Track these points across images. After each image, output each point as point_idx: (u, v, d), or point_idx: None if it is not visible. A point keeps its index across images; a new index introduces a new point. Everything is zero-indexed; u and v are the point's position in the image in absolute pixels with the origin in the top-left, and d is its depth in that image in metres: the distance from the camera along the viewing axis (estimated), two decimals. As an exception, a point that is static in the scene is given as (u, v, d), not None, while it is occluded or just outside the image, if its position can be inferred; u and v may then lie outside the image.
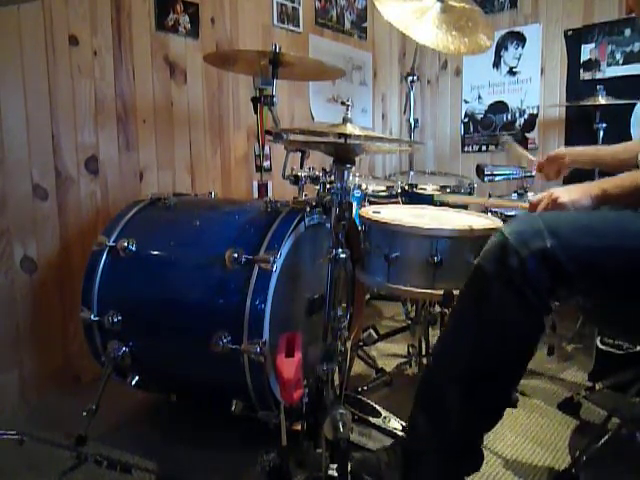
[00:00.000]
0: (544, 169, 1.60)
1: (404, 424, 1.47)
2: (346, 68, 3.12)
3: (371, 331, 1.95)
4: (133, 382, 1.50)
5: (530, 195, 2.37)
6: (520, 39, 3.16)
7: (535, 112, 3.15)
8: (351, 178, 2.21)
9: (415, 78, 2.31)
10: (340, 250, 1.24)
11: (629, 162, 1.35)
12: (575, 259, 1.00)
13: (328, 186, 1.53)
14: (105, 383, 1.48)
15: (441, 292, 1.31)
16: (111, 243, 1.49)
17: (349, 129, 1.20)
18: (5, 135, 1.68)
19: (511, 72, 3.23)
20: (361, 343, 1.94)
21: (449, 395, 1.09)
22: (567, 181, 1.50)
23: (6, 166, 1.69)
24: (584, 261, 1.01)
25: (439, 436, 1.11)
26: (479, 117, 3.38)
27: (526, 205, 1.25)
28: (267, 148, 2.61)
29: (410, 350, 1.97)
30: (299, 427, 1.24)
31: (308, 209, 1.44)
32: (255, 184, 2.59)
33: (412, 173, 2.54)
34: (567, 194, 1.14)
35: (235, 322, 1.30)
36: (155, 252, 1.49)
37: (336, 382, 1.26)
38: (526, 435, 1.58)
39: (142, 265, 1.48)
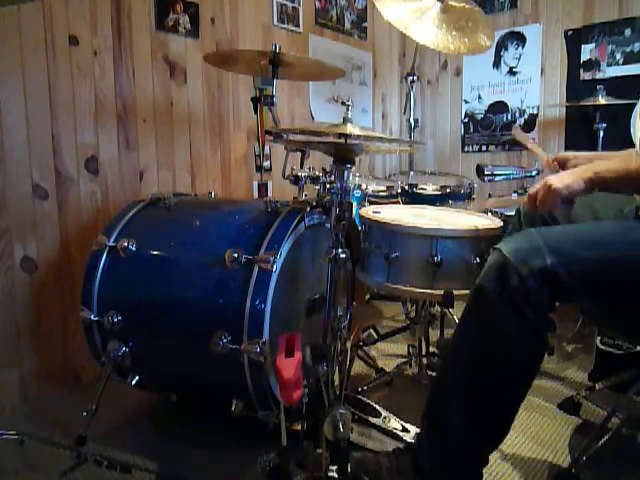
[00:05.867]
0: (551, 167, 1.61)
1: (404, 424, 1.47)
2: (346, 68, 3.12)
3: (371, 331, 1.95)
4: (133, 382, 1.50)
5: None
6: (520, 39, 3.16)
7: (535, 112, 3.15)
8: (351, 178, 2.21)
9: (415, 78, 2.31)
10: (340, 250, 1.24)
11: None
12: (575, 274, 1.01)
13: (328, 186, 1.53)
14: (105, 383, 1.48)
15: (441, 292, 1.31)
16: (111, 243, 1.49)
17: (349, 129, 1.20)
18: (5, 135, 1.68)
19: (511, 72, 3.23)
20: (361, 343, 1.94)
21: (451, 414, 1.09)
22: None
23: (6, 166, 1.69)
24: (584, 275, 1.01)
25: (439, 453, 1.11)
26: (479, 117, 3.38)
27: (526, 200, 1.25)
28: (267, 148, 2.61)
29: (410, 350, 1.97)
30: (299, 427, 1.24)
31: (308, 209, 1.44)
32: (255, 184, 2.59)
33: (412, 173, 2.54)
34: (560, 180, 1.13)
35: (235, 322, 1.30)
36: (155, 252, 1.49)
37: (336, 382, 1.26)
38: (526, 434, 1.58)
39: (142, 265, 1.48)
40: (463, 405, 1.08)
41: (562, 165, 1.58)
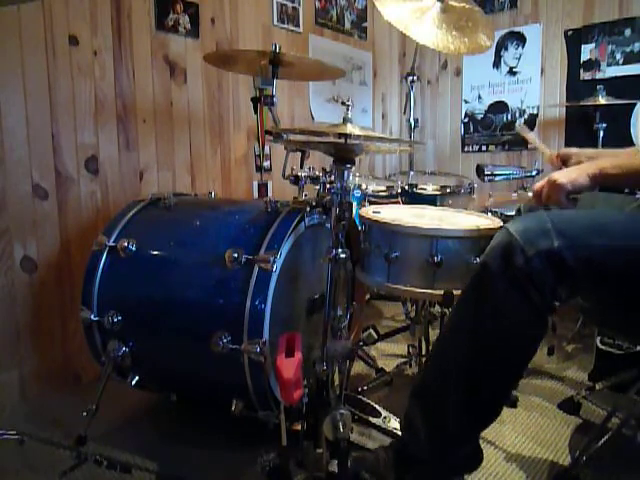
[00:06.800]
0: (554, 163, 1.62)
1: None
2: (346, 68, 3.12)
3: (371, 331, 1.95)
4: (133, 382, 1.50)
5: (530, 194, 2.37)
6: (520, 39, 3.16)
7: (535, 112, 3.15)
8: (351, 178, 2.21)
9: (415, 78, 2.31)
10: (340, 250, 1.24)
11: None
12: (581, 259, 1.00)
13: (328, 186, 1.53)
14: (105, 383, 1.48)
15: (441, 292, 1.31)
16: (111, 243, 1.49)
17: (349, 129, 1.20)
18: (5, 135, 1.68)
19: (511, 72, 3.23)
20: (361, 343, 1.94)
21: (448, 394, 1.09)
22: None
23: (6, 166, 1.69)
24: (590, 261, 1.01)
25: (437, 437, 1.11)
26: (479, 117, 3.38)
27: (531, 195, 1.26)
28: (267, 148, 2.61)
29: (410, 350, 1.97)
30: (299, 427, 1.24)
31: (308, 209, 1.44)
32: (255, 184, 2.59)
33: (412, 173, 2.54)
34: (565, 176, 1.13)
35: (235, 322, 1.30)
36: (155, 252, 1.49)
37: (336, 382, 1.26)
38: (526, 434, 1.58)
39: (142, 265, 1.48)
40: (462, 385, 1.08)
41: (564, 162, 1.59)
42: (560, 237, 1.00)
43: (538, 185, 1.20)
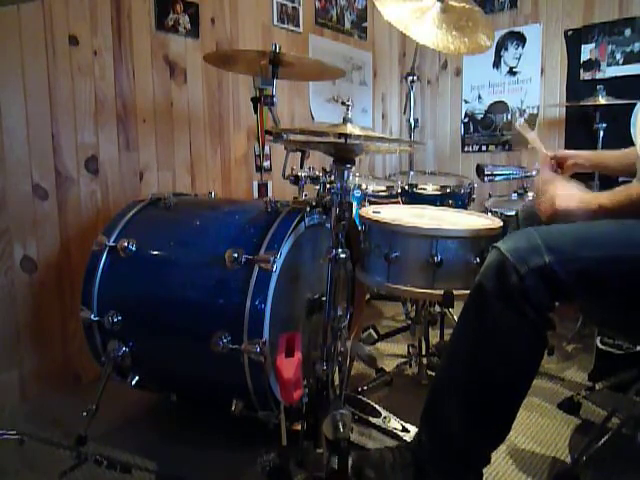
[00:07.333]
0: (547, 165, 1.62)
1: (404, 424, 1.47)
2: (346, 68, 3.12)
3: (371, 331, 1.95)
4: (133, 382, 1.50)
5: (530, 195, 2.37)
6: (520, 39, 3.17)
7: (535, 112, 3.15)
8: (351, 178, 2.21)
9: (415, 78, 2.32)
10: (340, 250, 1.24)
11: (631, 168, 1.35)
12: (574, 273, 1.01)
13: (328, 186, 1.53)
14: (105, 383, 1.48)
15: (441, 292, 1.31)
16: (111, 243, 1.49)
17: (349, 129, 1.20)
18: (5, 135, 1.68)
19: (511, 72, 3.23)
20: (361, 343, 1.94)
21: (451, 413, 1.09)
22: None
23: (6, 166, 1.69)
24: (583, 274, 1.01)
25: (440, 453, 1.12)
26: (479, 117, 3.39)
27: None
28: (267, 148, 2.61)
29: (410, 350, 1.97)
30: (299, 427, 1.24)
31: (308, 209, 1.44)
32: (255, 184, 2.59)
33: (412, 173, 2.54)
34: (566, 202, 1.14)
35: (235, 322, 1.30)
36: (155, 252, 1.49)
37: (336, 382, 1.27)
38: (526, 435, 1.58)
39: (142, 265, 1.48)
40: (462, 404, 1.08)
41: (560, 164, 1.59)
42: (550, 253, 1.01)
43: (543, 185, 1.20)
